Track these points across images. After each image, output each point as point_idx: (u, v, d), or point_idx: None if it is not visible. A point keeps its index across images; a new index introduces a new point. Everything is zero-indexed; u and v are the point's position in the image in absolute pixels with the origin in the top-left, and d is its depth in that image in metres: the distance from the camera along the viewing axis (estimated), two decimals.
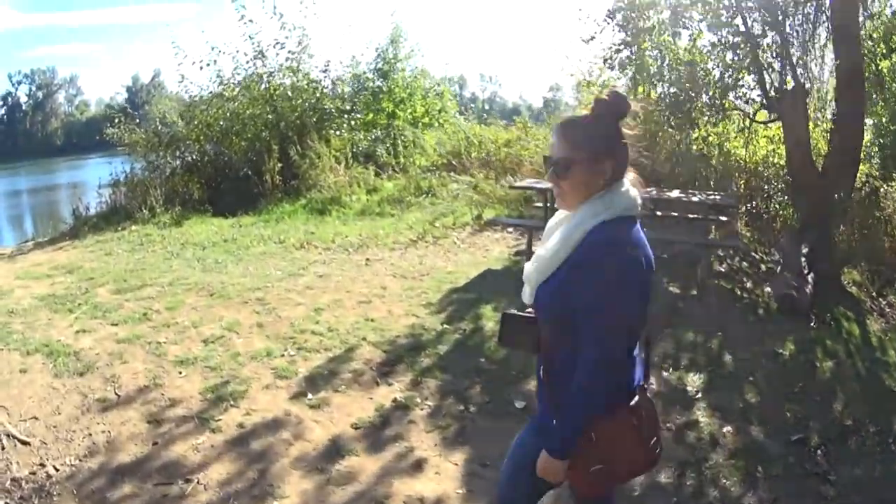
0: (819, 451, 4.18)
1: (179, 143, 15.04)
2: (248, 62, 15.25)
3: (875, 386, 5.23)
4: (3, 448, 4.41)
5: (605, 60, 10.99)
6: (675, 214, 8.41)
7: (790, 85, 9.23)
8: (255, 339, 6.21)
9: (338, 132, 15.23)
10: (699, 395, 4.92)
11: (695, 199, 7.75)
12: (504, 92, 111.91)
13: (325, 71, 16.03)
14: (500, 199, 11.52)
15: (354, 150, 14.78)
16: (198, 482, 4.09)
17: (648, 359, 2.21)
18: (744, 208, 9.08)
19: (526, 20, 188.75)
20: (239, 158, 14.64)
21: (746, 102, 10.36)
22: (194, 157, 15.12)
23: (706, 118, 10.43)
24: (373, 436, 4.45)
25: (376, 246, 9.43)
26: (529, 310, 2.22)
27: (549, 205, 7.83)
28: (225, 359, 5.75)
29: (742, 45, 9.65)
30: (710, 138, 10.64)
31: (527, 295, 2.13)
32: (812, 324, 6.36)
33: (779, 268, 7.45)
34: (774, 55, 9.65)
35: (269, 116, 14.84)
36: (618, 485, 2.25)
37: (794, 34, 9.69)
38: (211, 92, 15.38)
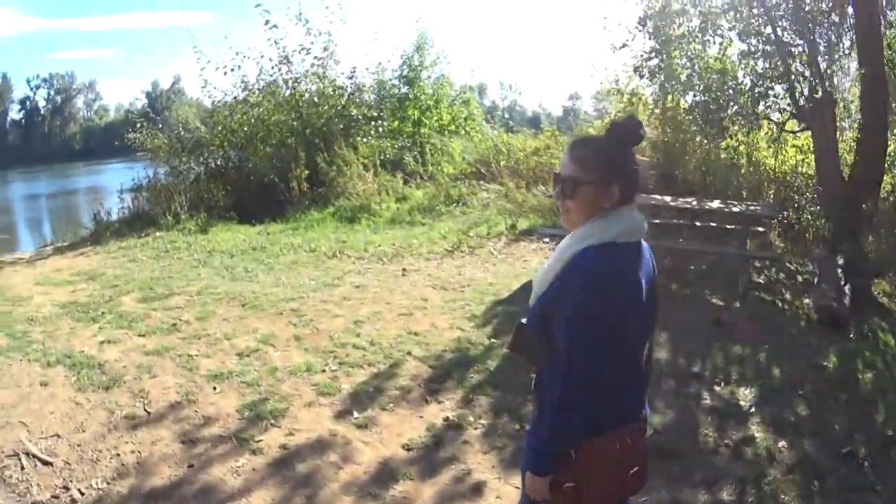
0: (866, 463, 4.24)
1: (203, 149, 15.46)
2: (272, 67, 15.70)
3: None
4: (22, 468, 4.32)
5: (636, 69, 11.33)
6: (714, 225, 8.69)
7: (819, 94, 9.55)
8: (294, 352, 6.14)
9: (365, 139, 15.55)
10: (752, 409, 4.95)
11: (735, 209, 7.98)
12: (524, 100, 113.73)
13: (351, 77, 16.45)
14: (533, 208, 11.62)
15: (382, 157, 15.17)
16: None
17: (645, 387, 2.29)
18: (776, 219, 9.49)
19: (546, 28, 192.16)
20: (264, 165, 14.98)
21: (776, 112, 10.76)
22: (218, 162, 15.53)
23: (737, 127, 10.78)
24: (426, 458, 4.36)
25: (411, 255, 9.55)
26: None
27: None
28: (262, 374, 5.66)
29: (772, 54, 10.06)
30: (740, 148, 10.96)
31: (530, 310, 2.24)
32: (851, 335, 6.46)
33: (815, 279, 7.65)
34: (804, 64, 10.04)
35: (294, 123, 15.20)
36: None
37: (822, 43, 10.11)
38: (235, 97, 15.82)
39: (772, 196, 10.32)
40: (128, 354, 6.02)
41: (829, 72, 10.27)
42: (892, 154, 10.26)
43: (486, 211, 11.87)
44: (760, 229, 8.55)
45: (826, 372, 5.67)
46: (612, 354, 2.04)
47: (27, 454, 4.46)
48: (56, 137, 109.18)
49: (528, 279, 7.69)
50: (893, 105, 9.63)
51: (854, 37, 9.59)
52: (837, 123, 9.92)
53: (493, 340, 6.03)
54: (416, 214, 12.28)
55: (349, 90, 16.11)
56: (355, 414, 4.88)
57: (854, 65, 10.11)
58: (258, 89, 15.52)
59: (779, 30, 10.00)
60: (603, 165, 2.07)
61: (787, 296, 7.74)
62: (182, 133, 16.19)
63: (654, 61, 11.12)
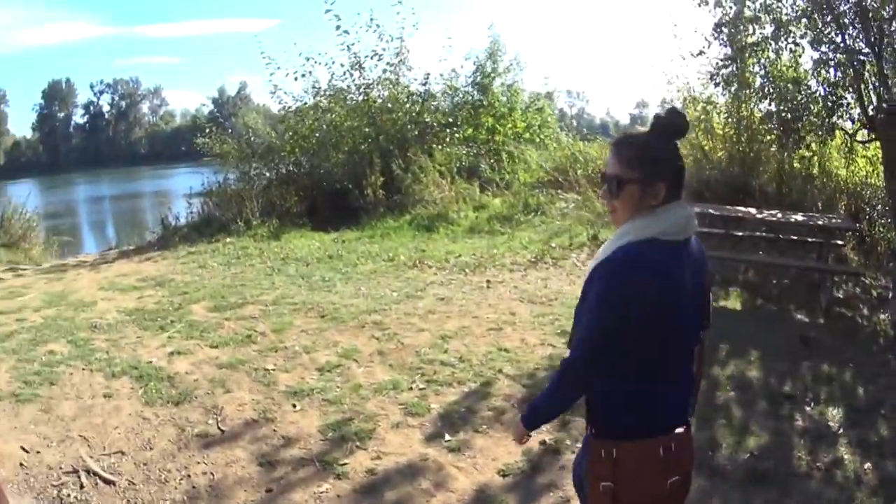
0: None
1: (273, 155, 15.98)
2: (344, 73, 16.19)
3: None
4: (81, 487, 4.24)
5: (712, 76, 11.66)
6: (796, 238, 8.90)
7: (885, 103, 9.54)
8: (378, 368, 6.05)
9: (440, 146, 15.80)
10: (840, 430, 4.91)
11: (819, 222, 8.16)
12: (591, 108, 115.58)
13: (424, 84, 16.81)
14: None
15: (458, 165, 15.52)
16: None
17: (697, 393, 2.40)
18: (851, 232, 9.25)
19: (614, 36, 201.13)
20: (337, 171, 15.44)
21: (848, 121, 10.93)
22: (290, 168, 16.04)
23: (811, 137, 10.97)
24: (524, 485, 4.28)
25: (494, 266, 9.61)
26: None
27: None
28: (345, 391, 5.57)
29: (843, 63, 10.30)
30: (814, 158, 11.21)
31: None
32: None
33: (890, 294, 7.78)
34: (873, 73, 10.19)
35: (367, 129, 15.60)
36: None
37: (889, 50, 10.22)
38: (305, 103, 16.35)
39: (843, 208, 10.37)
40: (199, 367, 6.03)
41: None
42: None
43: (565, 221, 12.02)
44: (839, 242, 8.67)
45: None
46: (652, 354, 2.12)
47: (88, 471, 4.39)
48: (121, 142, 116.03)
49: None
50: None
51: None
52: None
53: None
54: (494, 223, 12.43)
55: (423, 96, 16.58)
56: (447, 436, 4.80)
57: None
58: (330, 95, 16.12)
59: (847, 38, 10.22)
60: (647, 163, 2.15)
61: (865, 311, 7.80)
62: (251, 138, 16.85)
63: (729, 69, 11.40)
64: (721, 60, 11.44)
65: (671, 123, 2.18)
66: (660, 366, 2.17)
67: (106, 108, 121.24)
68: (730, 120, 12.13)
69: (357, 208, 14.20)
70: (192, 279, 9.44)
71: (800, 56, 11.18)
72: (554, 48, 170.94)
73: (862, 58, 10.10)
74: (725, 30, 11.18)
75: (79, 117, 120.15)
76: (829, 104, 10.58)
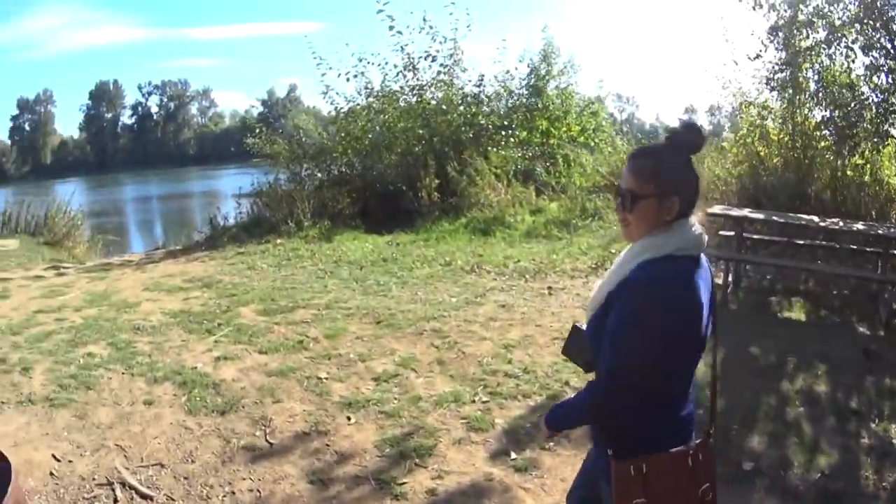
0: None
1: (325, 156, 16.27)
2: (397, 74, 16.42)
3: None
4: (115, 501, 4.13)
5: (768, 81, 11.87)
6: (854, 247, 8.92)
7: None
8: (438, 379, 5.88)
9: (495, 149, 15.96)
10: None
11: (880, 231, 8.10)
12: (641, 113, 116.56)
13: (479, 86, 17.00)
14: None
15: (514, 168, 15.80)
16: None
17: (714, 402, 2.45)
18: None
19: (663, 41, 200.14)
20: (390, 172, 15.66)
21: None
22: (342, 169, 16.31)
23: (865, 144, 11.17)
24: None
25: (554, 272, 9.55)
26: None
27: (741, 234, 8.44)
28: (403, 403, 5.40)
29: (894, 70, 10.64)
30: (866, 165, 11.31)
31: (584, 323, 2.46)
32: None
33: None
34: None
35: (421, 131, 15.78)
36: None
37: None
38: (358, 104, 16.60)
39: (894, 217, 10.55)
40: (247, 374, 5.94)
41: None
42: None
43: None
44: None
45: None
46: (674, 369, 2.20)
47: (123, 484, 4.28)
48: (169, 142, 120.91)
49: None
50: None
51: None
52: None
53: None
54: (552, 228, 12.50)
55: (477, 98, 16.86)
56: (513, 454, 4.66)
57: None
58: (383, 96, 16.36)
59: None
60: (663, 178, 2.20)
61: None
62: (303, 139, 17.19)
63: (784, 73, 11.60)
64: (777, 65, 11.63)
65: (687, 138, 2.23)
66: (684, 378, 2.25)
67: (154, 109, 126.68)
68: (785, 126, 12.16)
69: (411, 211, 14.30)
70: (241, 281, 9.46)
71: (853, 61, 11.31)
72: (605, 52, 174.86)
73: None
74: (781, 34, 11.34)
75: (126, 118, 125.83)
76: (882, 111, 10.83)
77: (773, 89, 11.95)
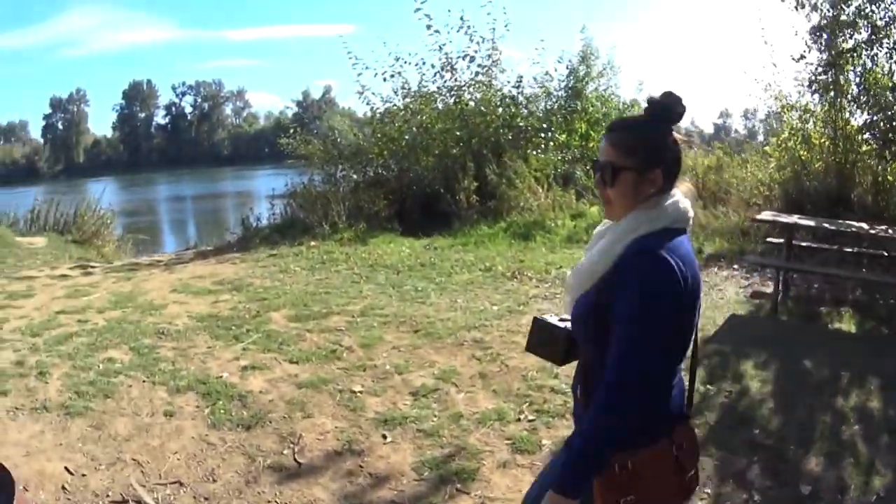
0: None
1: (361, 157, 16.35)
2: (434, 74, 16.47)
3: None
4: None
5: (811, 83, 11.77)
6: None
7: None
8: (480, 394, 5.64)
9: (535, 151, 15.97)
10: None
11: None
12: None
13: (517, 87, 17.02)
14: (716, 230, 11.63)
15: (554, 171, 15.81)
16: None
17: (693, 385, 2.41)
18: None
19: (698, 44, 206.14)
20: (427, 175, 15.61)
21: None
22: (378, 171, 16.39)
23: None
24: None
25: None
26: (563, 316, 2.49)
27: (791, 241, 8.37)
28: (443, 421, 5.15)
29: None
30: None
31: (567, 306, 2.37)
32: None
33: None
34: None
35: (459, 132, 15.76)
36: None
37: None
38: (395, 104, 16.66)
39: None
40: (276, 385, 5.77)
41: None
42: None
43: None
44: None
45: None
46: (670, 350, 2.13)
47: (138, 502, 4.14)
48: (203, 143, 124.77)
49: (731, 312, 7.86)
50: None
51: None
52: None
53: (709, 387, 5.74)
54: (592, 233, 12.00)
55: (517, 100, 16.86)
56: None
57: None
58: (420, 96, 16.42)
59: None
60: (643, 149, 2.17)
61: None
62: (338, 140, 17.34)
63: (827, 76, 11.49)
64: (819, 66, 11.52)
65: (667, 108, 2.19)
66: (676, 363, 2.19)
67: (188, 109, 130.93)
68: (826, 129, 12.12)
69: (449, 214, 14.23)
70: (273, 284, 9.37)
71: (895, 63, 11.20)
72: (639, 54, 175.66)
73: None
74: (824, 34, 11.26)
75: (160, 118, 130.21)
76: None
77: (814, 92, 11.86)
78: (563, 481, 2.06)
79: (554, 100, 17.80)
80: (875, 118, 11.26)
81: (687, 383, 2.38)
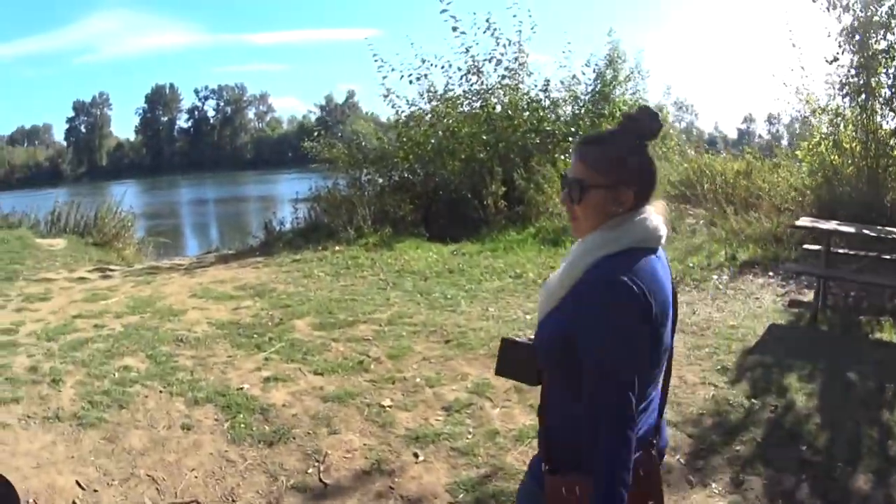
0: None
1: (386, 161, 16.35)
2: (461, 77, 16.48)
3: None
4: None
5: (843, 85, 11.75)
6: None
7: None
8: (516, 410, 5.44)
9: (563, 156, 15.86)
10: None
11: None
12: (700, 122, 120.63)
13: (544, 90, 17.05)
14: (749, 237, 11.56)
15: None
16: None
17: (662, 411, 2.31)
18: None
19: (722, 48, 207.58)
20: (454, 179, 15.61)
21: None
22: (404, 175, 16.39)
23: None
24: None
25: None
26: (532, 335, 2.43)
27: (829, 248, 8.31)
28: (479, 438, 4.98)
29: None
30: None
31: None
32: None
33: None
34: None
35: (486, 136, 15.79)
36: None
37: None
38: (420, 108, 16.69)
39: None
40: (300, 398, 5.62)
41: None
42: None
43: (697, 238, 12.05)
44: None
45: None
46: (642, 372, 2.06)
47: None
48: (226, 146, 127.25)
49: (771, 322, 7.80)
50: None
51: None
52: None
53: (753, 401, 5.64)
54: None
55: (544, 103, 16.88)
56: None
57: None
58: (446, 99, 16.46)
59: None
60: (614, 166, 2.13)
61: None
62: (362, 143, 17.37)
63: (858, 78, 11.50)
64: (852, 69, 11.55)
65: (640, 124, 2.15)
66: (648, 385, 2.13)
67: (211, 113, 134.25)
68: (858, 133, 12.05)
69: (476, 219, 14.22)
70: (296, 290, 9.26)
71: None
72: (664, 59, 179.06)
73: None
74: (857, 36, 11.31)
75: (183, 121, 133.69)
76: None
77: (846, 95, 11.86)
78: None
79: (581, 104, 17.86)
80: None
81: (657, 409, 2.30)
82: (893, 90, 11.36)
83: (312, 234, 13.70)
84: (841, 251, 8.78)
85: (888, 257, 8.57)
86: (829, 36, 12.05)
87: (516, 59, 16.34)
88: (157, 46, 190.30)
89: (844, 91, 11.75)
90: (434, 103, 16.37)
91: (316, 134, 17.55)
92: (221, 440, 4.90)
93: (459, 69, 16.24)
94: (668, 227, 2.23)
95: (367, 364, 6.30)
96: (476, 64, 16.15)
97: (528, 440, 4.89)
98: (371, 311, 8.02)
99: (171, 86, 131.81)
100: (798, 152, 13.58)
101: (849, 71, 11.54)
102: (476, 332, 7.17)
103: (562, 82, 17.46)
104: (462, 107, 16.27)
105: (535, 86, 16.84)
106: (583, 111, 17.52)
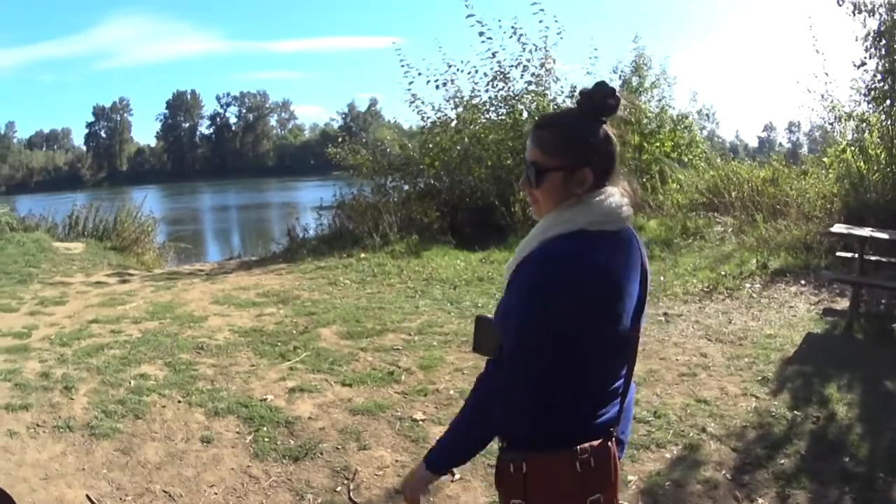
0: None
1: (411, 167, 16.42)
2: (487, 83, 16.49)
3: None
4: None
5: (869, 91, 11.76)
6: None
7: None
8: None
9: None
10: None
11: None
12: (721, 130, 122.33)
13: (571, 96, 16.93)
14: (779, 244, 11.56)
15: None
16: None
17: (623, 402, 2.28)
18: None
19: (743, 57, 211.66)
20: (481, 186, 15.64)
21: None
22: (431, 181, 16.39)
23: None
24: None
25: (666, 296, 9.35)
26: None
27: (863, 255, 8.32)
28: None
29: None
30: None
31: None
32: None
33: None
34: None
35: (512, 143, 15.77)
36: None
37: None
38: (445, 114, 16.75)
39: None
40: (327, 411, 5.49)
41: None
42: None
43: (726, 246, 12.13)
44: None
45: None
46: (576, 356, 2.08)
47: None
48: (248, 153, 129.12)
49: (807, 330, 7.81)
50: None
51: None
52: None
53: (796, 413, 5.60)
54: (653, 248, 12.33)
55: None
56: None
57: None
58: (472, 106, 16.51)
59: None
60: (570, 147, 2.14)
61: None
62: (387, 150, 17.47)
63: (884, 83, 11.51)
64: (878, 74, 11.60)
65: (596, 101, 2.14)
66: (588, 368, 2.13)
67: (232, 119, 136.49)
68: (883, 140, 12.06)
69: (503, 226, 14.19)
70: (321, 297, 9.20)
71: None
72: (687, 67, 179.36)
73: None
74: (884, 40, 11.31)
75: (204, 128, 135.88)
76: None
77: (871, 101, 11.87)
78: (430, 462, 2.17)
79: None
80: None
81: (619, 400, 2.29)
82: None
83: (337, 240, 13.70)
84: (873, 258, 8.76)
85: None
86: (856, 40, 12.09)
87: (542, 65, 16.37)
88: (177, 53, 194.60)
89: (870, 97, 11.83)
90: (460, 109, 16.47)
91: (340, 140, 17.65)
92: (243, 455, 4.77)
93: (486, 75, 16.30)
94: (634, 205, 2.22)
95: (397, 375, 6.16)
96: (502, 70, 16.19)
97: None
98: (400, 320, 7.91)
99: (193, 92, 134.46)
100: (825, 159, 13.72)
101: (874, 76, 11.62)
102: None
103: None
104: (488, 113, 16.35)
105: (562, 92, 16.80)
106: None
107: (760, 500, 4.43)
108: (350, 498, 4.25)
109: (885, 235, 8.30)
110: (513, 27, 15.97)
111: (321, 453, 4.79)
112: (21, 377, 5.81)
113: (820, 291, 9.21)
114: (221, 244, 23.87)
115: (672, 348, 7.12)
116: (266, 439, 4.94)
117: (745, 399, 5.90)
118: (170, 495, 4.22)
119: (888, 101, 11.47)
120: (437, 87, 16.36)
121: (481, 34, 15.83)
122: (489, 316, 2.45)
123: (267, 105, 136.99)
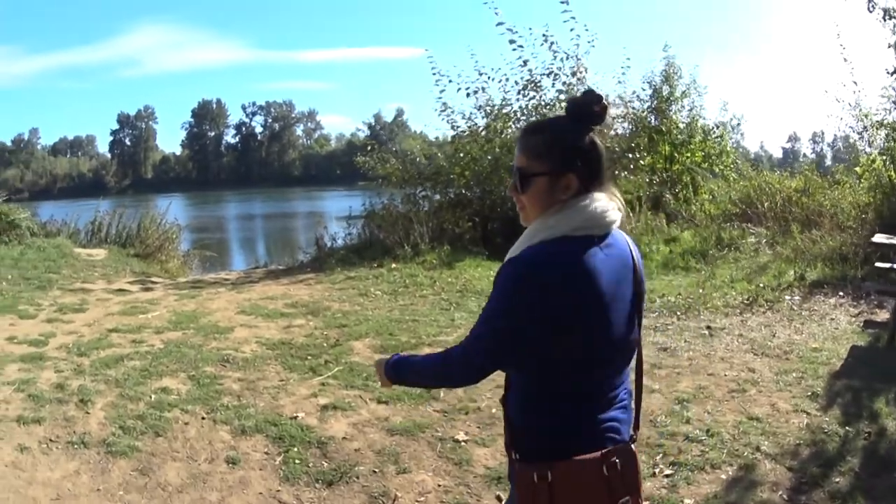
0: None
1: (442, 177, 16.47)
2: (518, 92, 16.57)
3: None
4: None
5: None
6: None
7: None
8: None
9: (623, 173, 16.12)
10: None
11: None
12: (746, 141, 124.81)
13: None
14: (816, 255, 11.65)
15: (643, 194, 16.40)
16: None
17: (639, 407, 2.38)
18: None
19: (768, 67, 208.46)
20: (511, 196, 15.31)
21: None
22: (462, 191, 16.46)
23: None
24: None
25: (706, 309, 9.34)
26: None
27: None
28: None
29: None
30: None
31: None
32: None
33: None
34: None
35: None
36: None
37: None
38: (475, 124, 16.84)
39: None
40: (363, 430, 5.33)
41: None
42: None
43: (761, 257, 12.22)
44: None
45: None
46: (576, 360, 2.14)
47: None
48: (274, 163, 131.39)
49: (851, 343, 7.77)
50: None
51: None
52: None
53: (847, 429, 5.51)
54: (689, 259, 12.63)
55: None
56: None
57: None
58: (503, 115, 16.55)
59: None
60: (555, 153, 2.20)
61: None
62: (417, 159, 17.54)
63: None
64: None
65: (583, 108, 2.20)
66: (592, 373, 2.18)
67: (258, 129, 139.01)
68: None
69: None
70: (353, 309, 9.13)
71: None
72: (715, 77, 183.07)
73: None
74: None
75: (230, 137, 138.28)
76: None
77: None
78: (392, 367, 2.39)
79: (638, 120, 18.20)
80: None
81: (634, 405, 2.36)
82: None
83: (366, 250, 13.68)
84: None
85: None
86: (888, 47, 12.14)
87: (574, 73, 16.37)
88: (201, 62, 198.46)
89: None
90: (490, 118, 16.53)
91: (370, 148, 17.83)
92: (272, 478, 4.62)
93: (517, 83, 16.34)
94: (622, 211, 2.25)
95: (435, 392, 5.92)
96: (533, 78, 16.24)
97: None
98: (435, 334, 7.78)
99: (219, 101, 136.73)
100: (857, 168, 13.73)
101: None
102: None
103: (620, 97, 17.71)
104: (519, 122, 16.26)
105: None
106: (639, 128, 17.90)
107: None
108: None
109: None
110: (544, 35, 16.08)
111: (357, 477, 4.65)
112: (35, 388, 5.68)
113: (858, 303, 9.26)
114: (247, 253, 24.25)
115: (719, 363, 7.09)
116: (297, 461, 4.79)
117: (796, 415, 5.85)
118: None
119: None
120: (468, 94, 16.41)
121: (512, 42, 15.92)
122: None
123: (293, 115, 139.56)
